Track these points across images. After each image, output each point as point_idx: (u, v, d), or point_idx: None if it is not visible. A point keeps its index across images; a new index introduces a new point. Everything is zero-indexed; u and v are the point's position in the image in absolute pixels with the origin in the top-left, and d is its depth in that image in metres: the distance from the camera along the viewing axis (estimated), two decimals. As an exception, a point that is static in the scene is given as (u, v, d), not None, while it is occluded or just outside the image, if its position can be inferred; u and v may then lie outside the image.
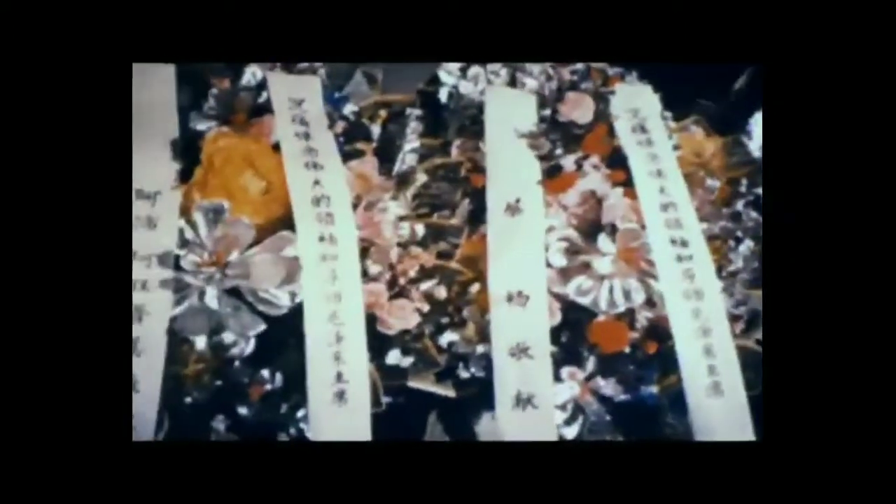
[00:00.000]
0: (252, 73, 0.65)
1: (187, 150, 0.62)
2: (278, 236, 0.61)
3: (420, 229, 0.65)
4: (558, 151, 0.68)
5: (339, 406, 0.59)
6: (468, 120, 0.69)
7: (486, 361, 0.62)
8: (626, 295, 0.63)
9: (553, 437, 0.60)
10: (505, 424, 0.60)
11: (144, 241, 0.59)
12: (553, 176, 0.66)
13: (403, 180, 0.66)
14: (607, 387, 0.62)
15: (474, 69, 0.70)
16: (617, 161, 0.68)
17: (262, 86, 0.65)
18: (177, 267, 0.59)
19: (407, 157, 0.67)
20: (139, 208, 0.59)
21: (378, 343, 0.61)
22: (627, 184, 0.66)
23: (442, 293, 0.63)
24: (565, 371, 0.62)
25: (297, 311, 0.60)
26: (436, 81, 0.70)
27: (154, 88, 0.63)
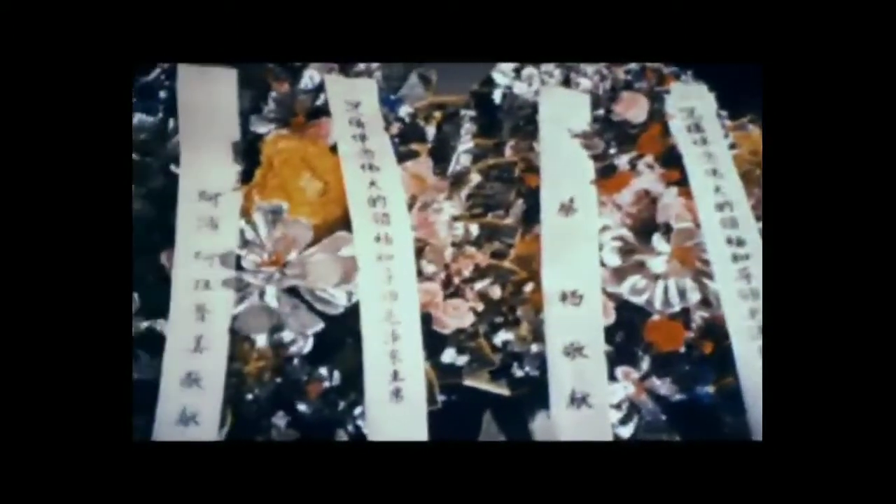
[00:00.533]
0: (310, 77, 0.66)
1: (248, 153, 0.63)
2: (335, 236, 0.62)
3: (474, 229, 0.65)
4: (612, 151, 0.68)
5: (395, 404, 0.59)
6: (522, 120, 0.69)
7: (541, 360, 0.62)
8: (681, 294, 0.63)
9: (608, 437, 0.60)
10: (560, 423, 0.60)
11: (207, 242, 0.60)
12: (607, 175, 0.66)
13: (458, 181, 0.67)
14: (663, 386, 0.62)
15: (528, 70, 0.70)
16: (671, 160, 0.67)
17: (319, 89, 0.67)
18: (238, 267, 0.60)
19: (461, 158, 0.68)
20: (202, 209, 0.61)
21: (433, 342, 0.62)
22: (682, 183, 0.66)
23: (496, 292, 0.64)
24: (620, 371, 0.62)
25: (353, 310, 0.61)
26: (490, 83, 0.70)
27: (216, 92, 0.64)
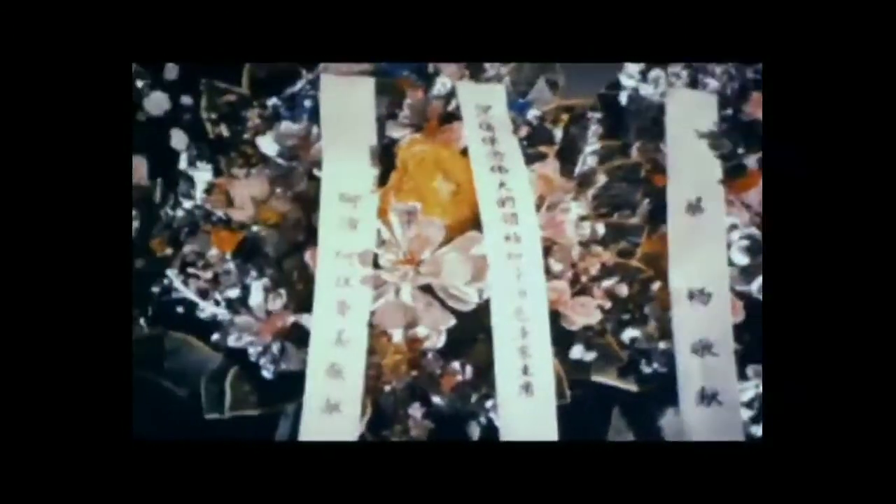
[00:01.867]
0: (442, 83, 0.68)
1: (384, 157, 0.66)
2: (467, 236, 0.65)
3: (601, 228, 0.67)
4: (740, 151, 0.67)
5: (526, 398, 0.61)
6: (648, 121, 0.70)
7: (669, 358, 0.63)
8: (811, 293, 0.63)
9: (739, 436, 0.61)
10: (689, 421, 0.61)
11: (347, 241, 0.63)
12: (735, 175, 0.67)
13: (585, 181, 0.68)
14: (795, 385, 0.62)
15: (655, 72, 0.70)
16: (802, 160, 0.67)
17: (451, 94, 0.69)
18: (375, 265, 0.63)
19: (588, 159, 0.69)
20: (342, 210, 0.63)
21: (562, 338, 0.63)
22: (812, 182, 0.66)
23: (623, 290, 0.65)
24: (751, 369, 0.62)
25: (484, 307, 0.63)
26: (616, 85, 0.71)
27: (355, 100, 0.67)
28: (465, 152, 0.67)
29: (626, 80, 0.71)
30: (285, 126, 0.66)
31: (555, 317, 0.64)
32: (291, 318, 0.62)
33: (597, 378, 0.65)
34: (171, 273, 0.62)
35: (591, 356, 0.64)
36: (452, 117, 0.68)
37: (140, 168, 0.63)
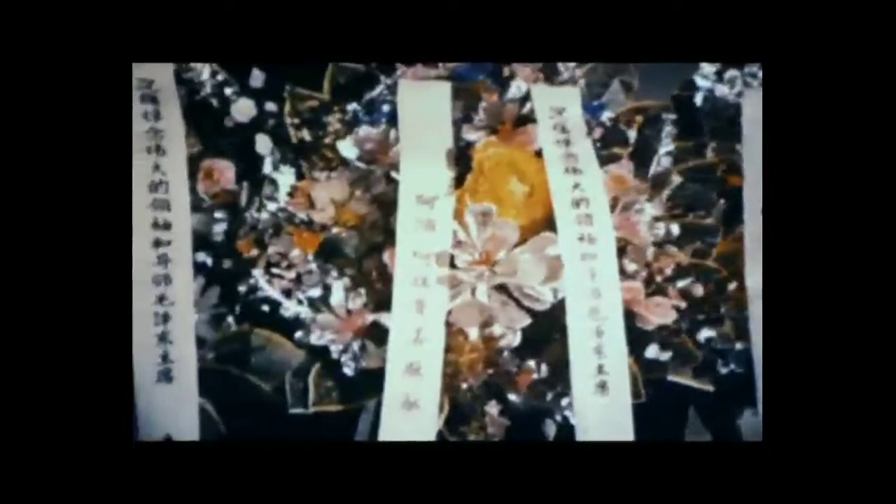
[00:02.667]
0: (517, 87, 0.69)
1: (460, 159, 0.67)
2: (541, 237, 0.66)
3: (675, 229, 0.67)
4: (817, 150, 0.67)
5: (601, 396, 0.62)
6: (724, 122, 0.70)
7: (746, 358, 0.63)
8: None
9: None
10: (768, 421, 0.61)
11: (424, 242, 0.64)
12: (812, 175, 0.66)
13: (659, 182, 0.68)
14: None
15: (731, 72, 0.70)
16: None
17: (526, 98, 0.69)
18: (452, 265, 0.65)
19: (662, 160, 0.69)
20: (419, 212, 0.65)
21: (637, 338, 0.64)
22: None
23: (699, 291, 0.65)
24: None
25: (559, 307, 0.64)
26: (691, 86, 0.71)
27: (432, 104, 0.68)
28: (539, 154, 0.68)
29: (701, 81, 0.71)
30: (364, 130, 0.68)
31: (630, 316, 0.64)
32: (371, 317, 0.64)
33: (673, 378, 0.65)
34: (257, 273, 0.64)
35: (666, 356, 0.65)
36: (527, 120, 0.69)
37: (227, 172, 0.65)
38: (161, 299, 0.60)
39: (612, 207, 0.66)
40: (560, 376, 0.63)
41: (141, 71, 0.65)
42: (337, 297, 0.64)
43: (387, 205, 0.66)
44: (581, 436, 0.62)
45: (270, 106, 0.68)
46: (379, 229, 0.65)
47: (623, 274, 0.65)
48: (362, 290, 0.64)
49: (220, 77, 0.67)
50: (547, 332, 0.64)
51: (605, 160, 0.68)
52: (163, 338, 0.60)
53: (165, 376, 0.59)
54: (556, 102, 0.69)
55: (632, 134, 0.70)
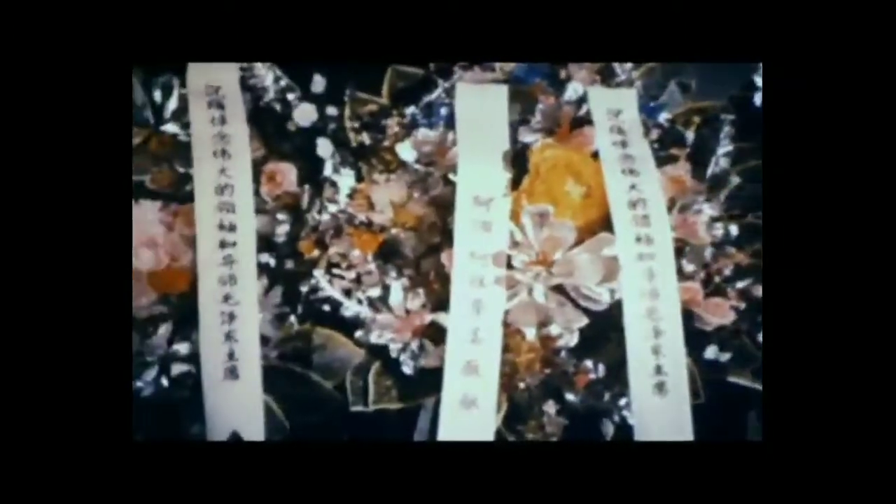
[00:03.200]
0: (574, 89, 0.70)
1: (517, 161, 0.68)
2: (598, 237, 0.66)
3: (734, 229, 0.67)
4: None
5: (659, 397, 0.62)
6: (784, 122, 0.69)
7: (807, 359, 0.63)
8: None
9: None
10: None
11: (481, 243, 0.65)
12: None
13: (717, 183, 0.68)
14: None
15: (790, 72, 0.70)
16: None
17: (582, 100, 0.70)
18: (509, 266, 0.65)
19: (720, 161, 0.69)
20: (476, 213, 0.65)
21: (695, 338, 0.64)
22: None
23: (758, 291, 0.65)
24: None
25: (616, 307, 0.64)
26: (750, 86, 0.71)
27: (489, 107, 0.69)
28: (595, 156, 0.68)
29: (760, 81, 0.70)
30: (422, 133, 0.69)
31: (688, 317, 0.64)
32: (429, 317, 0.64)
33: (732, 379, 0.65)
34: (318, 273, 0.65)
35: (725, 357, 0.64)
36: (583, 122, 0.70)
37: (289, 175, 0.67)
38: (227, 299, 0.62)
39: (670, 208, 0.66)
40: (618, 376, 0.63)
41: (208, 77, 0.68)
42: (396, 297, 0.64)
43: (444, 206, 0.67)
44: (640, 436, 0.62)
45: (331, 110, 0.69)
46: (437, 230, 0.66)
47: (681, 275, 0.65)
48: (420, 291, 0.65)
49: (283, 83, 0.69)
50: (604, 332, 0.64)
51: (662, 161, 0.68)
52: (229, 336, 0.61)
53: (232, 373, 0.60)
54: (613, 104, 0.70)
55: (689, 135, 0.70)
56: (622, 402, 0.63)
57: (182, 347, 0.61)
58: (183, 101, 0.68)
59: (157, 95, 0.68)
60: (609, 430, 0.63)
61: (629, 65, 0.72)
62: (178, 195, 0.65)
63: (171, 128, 0.67)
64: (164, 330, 0.61)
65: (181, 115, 0.67)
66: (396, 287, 0.65)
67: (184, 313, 0.62)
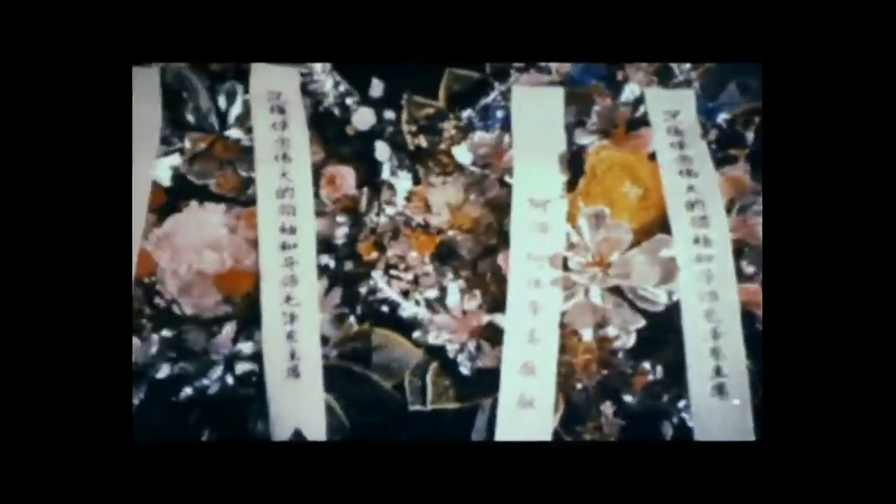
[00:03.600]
0: (631, 90, 0.70)
1: (573, 163, 0.68)
2: (656, 239, 0.66)
3: (794, 230, 0.66)
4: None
5: (719, 399, 0.62)
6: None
7: (870, 362, 0.62)
8: None
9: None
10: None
11: (537, 244, 0.66)
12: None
13: (777, 183, 0.68)
14: None
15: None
16: None
17: (639, 101, 0.70)
18: (565, 267, 0.65)
19: (780, 161, 0.68)
20: (532, 215, 0.66)
21: (756, 340, 0.62)
22: None
23: (820, 293, 0.64)
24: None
25: (674, 309, 0.64)
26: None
27: (545, 109, 0.69)
28: (652, 157, 0.69)
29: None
30: (479, 136, 0.70)
31: (748, 318, 0.64)
32: (486, 318, 0.65)
33: (793, 381, 0.64)
34: (377, 275, 0.66)
35: (786, 358, 0.64)
36: (640, 123, 0.70)
37: (348, 178, 0.68)
38: (288, 299, 0.63)
39: (729, 209, 0.66)
40: (676, 378, 0.63)
41: (270, 83, 0.69)
42: (453, 298, 0.65)
43: (500, 208, 0.67)
44: (699, 438, 0.61)
45: (389, 114, 0.70)
46: (493, 232, 0.67)
47: (740, 276, 0.64)
48: (477, 292, 0.65)
49: (342, 87, 0.71)
50: (662, 333, 0.64)
51: (720, 162, 0.68)
52: (290, 336, 0.62)
53: (293, 373, 0.62)
54: (671, 105, 0.70)
55: (749, 135, 0.69)
56: (681, 403, 0.62)
57: (246, 347, 0.63)
58: (246, 106, 0.70)
59: (222, 102, 0.70)
60: (668, 431, 0.62)
61: (687, 65, 0.72)
62: (242, 198, 0.67)
63: (234, 133, 0.69)
64: (228, 329, 0.63)
65: (244, 120, 0.69)
66: (453, 288, 0.66)
67: (247, 313, 0.63)
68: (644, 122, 0.70)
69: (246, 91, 0.70)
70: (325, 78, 0.71)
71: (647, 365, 0.64)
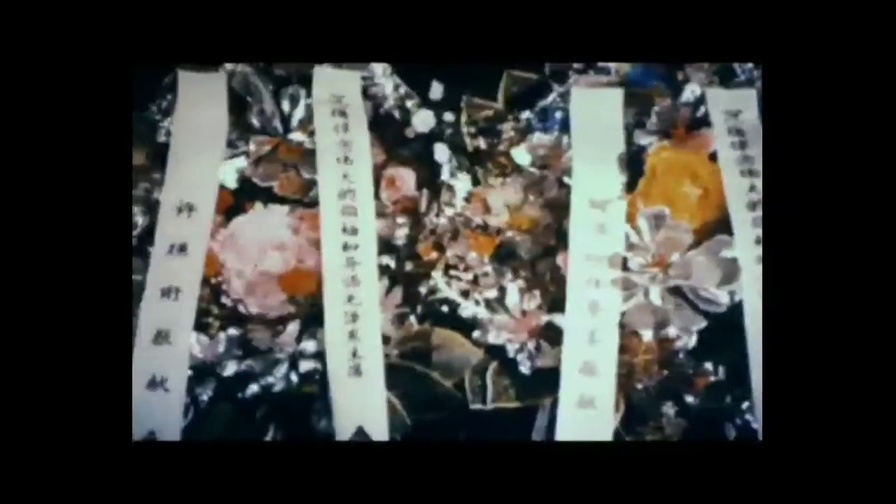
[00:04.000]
0: (691, 91, 0.70)
1: (632, 164, 0.68)
2: (716, 239, 0.66)
3: (859, 231, 0.65)
4: None
5: (783, 400, 0.61)
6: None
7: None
8: None
9: None
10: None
11: (596, 245, 0.66)
12: None
13: (840, 183, 0.67)
14: None
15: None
16: None
17: (700, 101, 0.70)
18: (624, 267, 0.66)
19: (844, 160, 0.68)
20: (592, 215, 0.66)
21: (819, 341, 0.62)
22: None
23: (886, 294, 0.63)
24: None
25: (736, 309, 0.64)
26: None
27: (604, 110, 0.70)
28: (713, 157, 0.68)
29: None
30: (537, 137, 0.70)
31: (812, 320, 0.63)
32: (545, 318, 0.65)
33: (859, 382, 0.63)
34: (436, 275, 0.67)
35: (852, 360, 0.63)
36: (701, 123, 0.70)
37: (408, 179, 0.69)
38: (350, 299, 0.64)
39: (791, 209, 0.66)
40: (739, 379, 0.62)
41: (332, 87, 0.71)
42: (512, 298, 0.66)
43: (559, 209, 0.68)
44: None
45: (448, 116, 0.71)
46: (552, 233, 0.67)
47: (803, 276, 0.64)
48: (536, 292, 0.65)
49: (402, 90, 0.72)
50: (724, 334, 0.63)
51: (782, 161, 0.67)
52: (352, 335, 0.63)
53: (356, 371, 0.62)
54: (732, 105, 0.69)
55: (812, 134, 0.69)
56: (744, 405, 0.62)
57: (309, 345, 0.64)
58: (309, 110, 0.71)
59: (286, 105, 0.71)
60: (731, 432, 0.62)
61: (749, 65, 0.71)
62: (304, 200, 0.68)
63: (297, 136, 0.70)
64: (292, 328, 0.64)
65: (307, 123, 0.71)
66: (512, 288, 0.66)
67: (310, 313, 0.65)
68: (705, 122, 0.69)
69: (309, 95, 0.71)
70: (386, 81, 0.72)
71: (708, 366, 0.63)
